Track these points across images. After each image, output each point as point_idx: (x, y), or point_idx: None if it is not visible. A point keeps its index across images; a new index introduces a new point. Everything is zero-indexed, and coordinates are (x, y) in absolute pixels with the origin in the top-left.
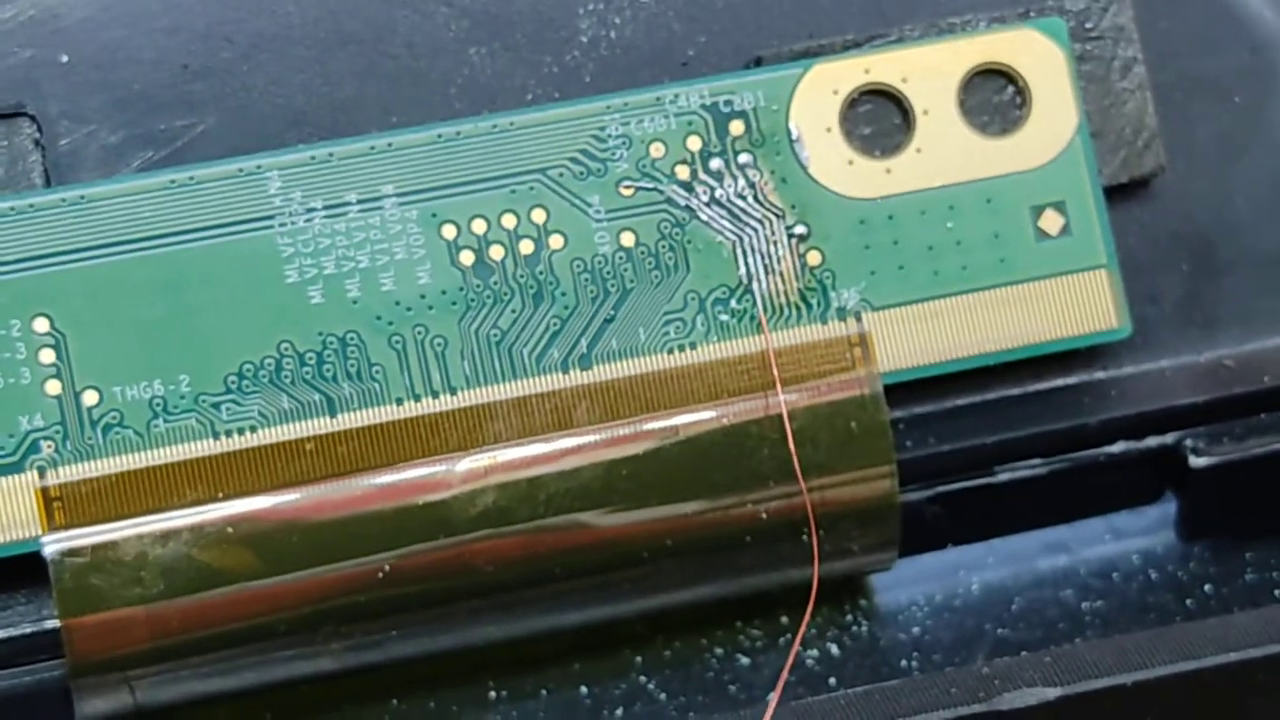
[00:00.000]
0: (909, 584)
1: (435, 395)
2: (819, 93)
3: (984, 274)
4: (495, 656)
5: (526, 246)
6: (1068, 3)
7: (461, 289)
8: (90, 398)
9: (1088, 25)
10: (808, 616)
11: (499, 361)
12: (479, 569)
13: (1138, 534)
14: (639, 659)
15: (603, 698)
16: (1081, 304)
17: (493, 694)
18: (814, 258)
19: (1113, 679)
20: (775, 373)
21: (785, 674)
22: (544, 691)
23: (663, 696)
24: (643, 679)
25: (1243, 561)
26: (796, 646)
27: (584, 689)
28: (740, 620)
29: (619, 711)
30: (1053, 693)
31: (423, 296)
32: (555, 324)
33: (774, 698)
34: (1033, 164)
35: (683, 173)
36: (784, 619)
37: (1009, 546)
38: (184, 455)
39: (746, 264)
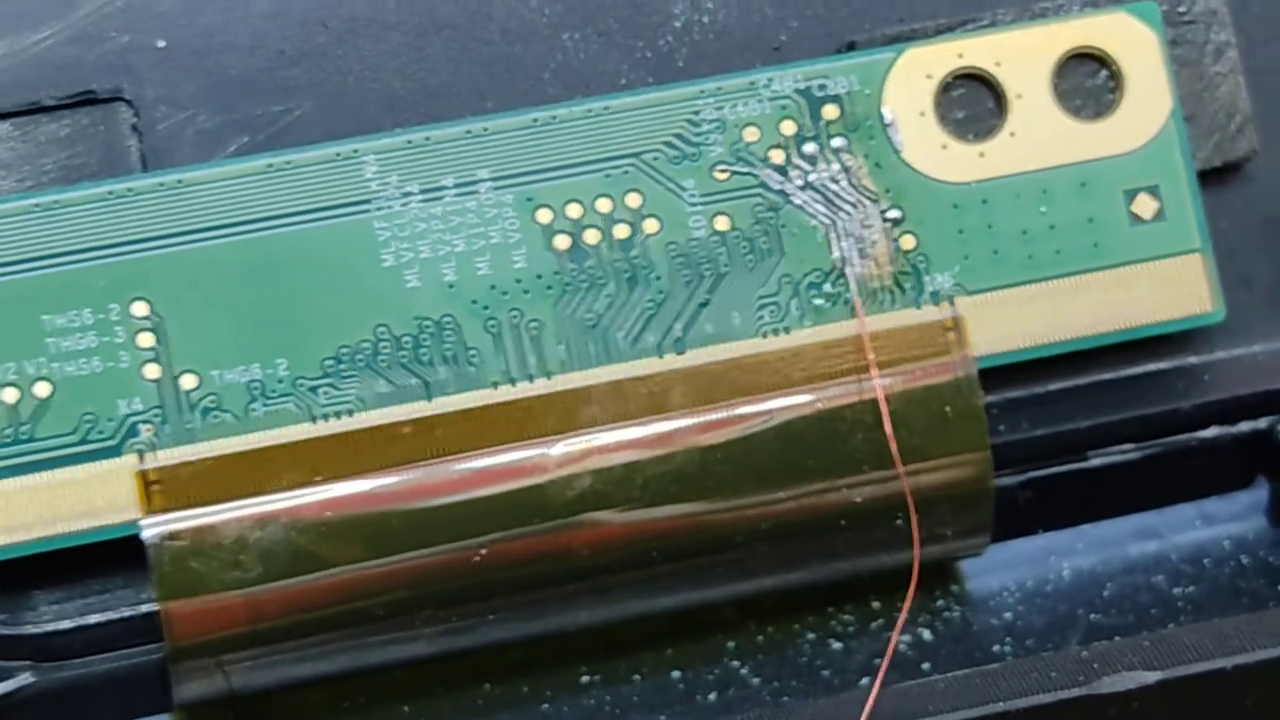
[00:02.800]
0: (1000, 569)
1: (531, 379)
2: (912, 77)
3: (1078, 258)
4: (588, 641)
5: (621, 230)
6: None
7: (557, 273)
8: (189, 381)
9: (1180, 9)
10: (909, 600)
11: (594, 345)
12: (574, 553)
13: (1229, 519)
14: (732, 644)
15: (696, 682)
16: (1175, 288)
17: (585, 678)
18: (908, 242)
19: (1212, 663)
20: (870, 357)
21: (887, 660)
22: (637, 676)
23: (756, 681)
24: (735, 664)
25: None
26: (898, 631)
27: (677, 673)
28: (832, 605)
29: (712, 696)
30: (1152, 676)
31: (518, 280)
32: (650, 308)
33: (876, 683)
34: (1126, 148)
35: (777, 157)
36: (875, 604)
37: (1099, 532)
38: (282, 439)
39: (840, 248)
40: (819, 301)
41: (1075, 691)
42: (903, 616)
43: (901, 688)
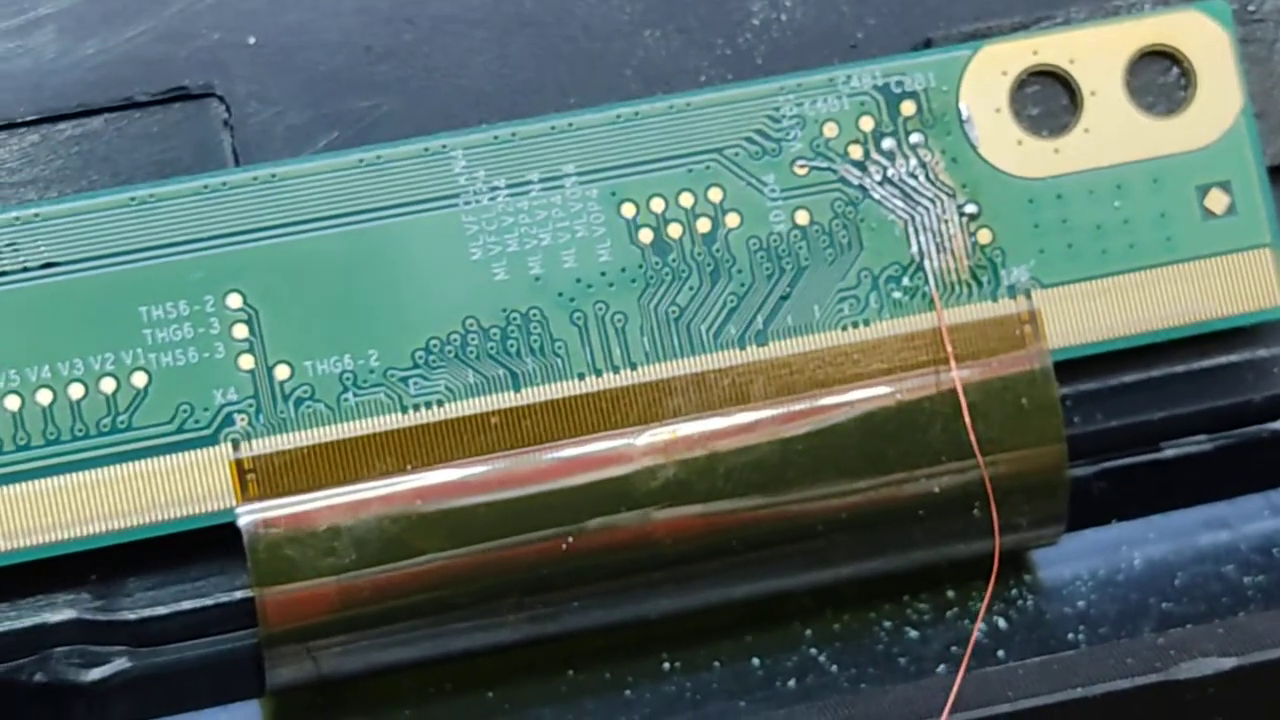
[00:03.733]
0: (1072, 559)
1: (616, 370)
2: (988, 74)
3: (1151, 252)
4: (670, 628)
5: (704, 225)
6: None
7: (641, 266)
8: (282, 372)
9: (1250, 8)
10: (990, 589)
11: (677, 337)
12: (658, 542)
13: None
14: (809, 631)
15: (775, 669)
16: (1246, 282)
17: (667, 665)
18: (984, 236)
19: None
20: (948, 349)
21: (969, 650)
22: (717, 663)
23: (834, 668)
24: (814, 651)
25: None
26: (980, 620)
27: (756, 660)
28: (908, 594)
29: (791, 683)
30: (1228, 663)
31: (603, 273)
32: (732, 301)
33: (960, 671)
34: (1198, 144)
35: (855, 152)
36: (950, 593)
37: (1170, 522)
38: (373, 428)
39: (918, 242)
40: (897, 295)
41: (1152, 678)
42: (984, 606)
43: (981, 674)
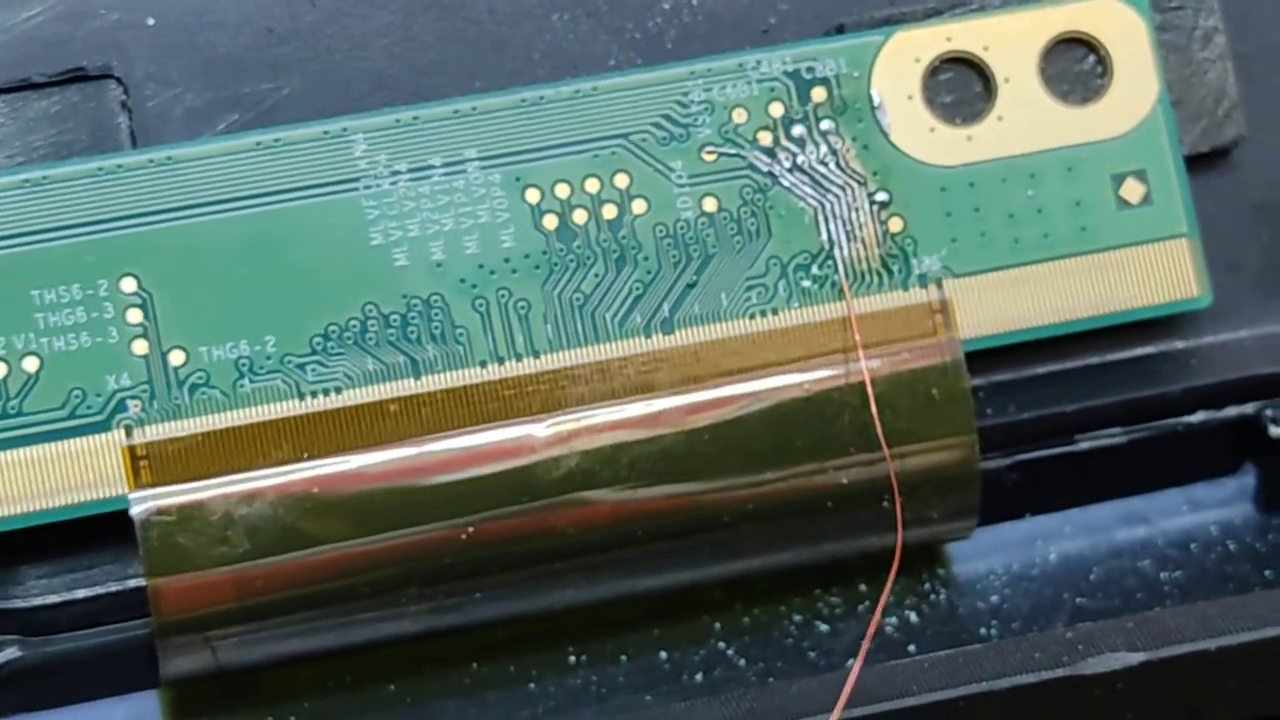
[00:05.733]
0: (987, 553)
1: (519, 358)
2: (901, 60)
3: (1065, 242)
4: (575, 621)
5: (610, 211)
6: None
7: (545, 253)
8: (177, 357)
9: None
10: (891, 580)
11: (582, 325)
12: (561, 533)
13: (1216, 505)
14: (718, 625)
15: (682, 663)
16: (1162, 273)
17: (572, 658)
18: (895, 224)
19: (1196, 644)
20: (857, 339)
21: (869, 638)
22: (624, 656)
23: (742, 662)
24: (722, 645)
25: None
26: (880, 610)
27: (664, 654)
28: (819, 588)
29: (699, 676)
30: (1136, 658)
31: (506, 260)
32: (638, 288)
33: (857, 663)
34: (1114, 133)
35: (765, 139)
36: (862, 586)
37: (1087, 517)
38: (270, 415)
39: (828, 230)
40: (806, 283)
41: (1059, 672)
42: (884, 597)
43: (885, 667)
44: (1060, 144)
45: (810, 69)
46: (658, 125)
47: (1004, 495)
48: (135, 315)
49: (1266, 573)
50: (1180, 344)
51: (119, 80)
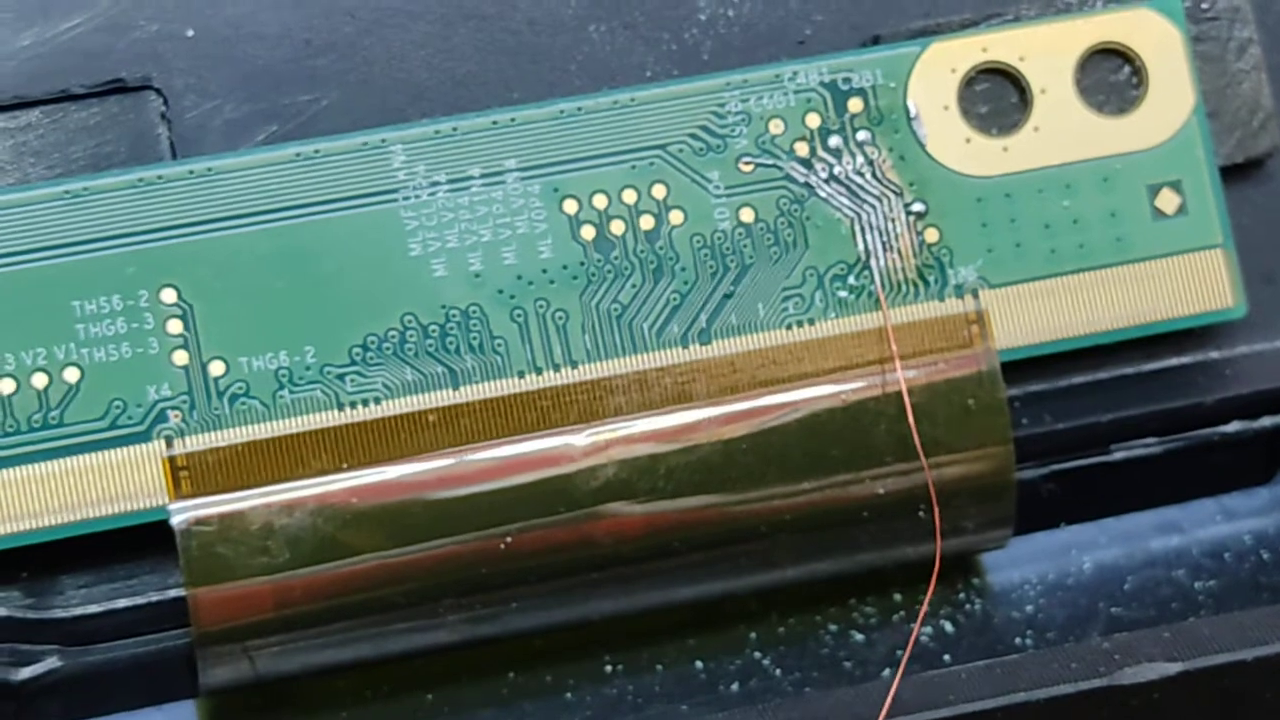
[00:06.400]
0: (1021, 563)
1: (556, 368)
2: (937, 71)
3: (1100, 252)
4: (612, 630)
5: (647, 222)
6: None
7: (583, 263)
8: (217, 368)
9: (1204, 6)
10: (930, 592)
11: (619, 336)
12: (598, 543)
13: (1250, 514)
14: (754, 635)
15: (718, 672)
16: (1197, 283)
17: (609, 668)
18: (932, 235)
19: (1232, 655)
20: (894, 349)
21: (909, 649)
22: (660, 666)
23: (778, 672)
24: (757, 654)
25: None
26: (920, 621)
27: (699, 664)
28: (854, 597)
29: (734, 686)
30: (1173, 668)
31: (544, 270)
32: (675, 299)
33: (898, 674)
34: (1149, 143)
35: (802, 150)
36: (897, 596)
37: (1121, 526)
38: (309, 426)
39: (865, 241)
40: (843, 294)
41: (1096, 682)
42: (924, 608)
43: (923, 678)
44: (1096, 155)
45: (847, 80)
46: (695, 136)
47: (1039, 505)
48: (175, 326)
49: None
50: (1215, 354)
51: (158, 91)
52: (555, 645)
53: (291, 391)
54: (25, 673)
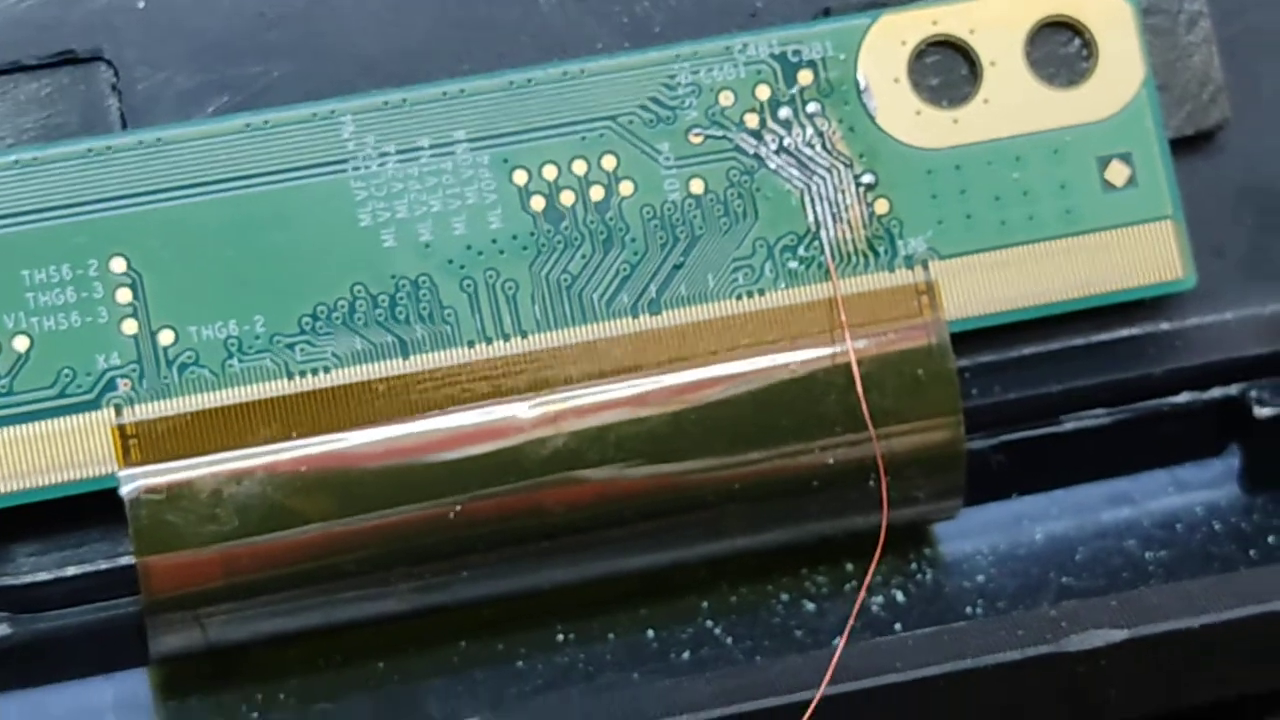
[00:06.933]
0: (973, 533)
1: (506, 338)
2: (887, 43)
3: (1050, 224)
4: (563, 600)
5: (597, 192)
6: None
7: (532, 234)
8: (166, 337)
9: None
10: (876, 559)
11: (569, 306)
12: (548, 512)
13: (1201, 486)
14: (705, 604)
15: (670, 641)
16: (1147, 255)
17: (560, 637)
18: (881, 206)
19: (1179, 622)
20: (843, 319)
21: (854, 617)
22: (611, 635)
23: (729, 641)
24: (709, 623)
25: None
26: (864, 589)
27: (651, 633)
28: (805, 567)
29: (685, 655)
30: (1119, 635)
31: (494, 241)
32: (625, 269)
33: (841, 640)
34: (1099, 116)
35: (752, 121)
36: (849, 566)
37: (1072, 497)
38: (258, 395)
39: (815, 212)
40: (793, 265)
41: (1043, 649)
42: (869, 575)
43: (870, 644)
44: (1046, 127)
45: (797, 52)
46: (645, 108)
47: (990, 476)
48: (125, 295)
49: (1251, 552)
50: (1165, 325)
51: (109, 63)
52: (506, 614)
53: (241, 360)
54: None
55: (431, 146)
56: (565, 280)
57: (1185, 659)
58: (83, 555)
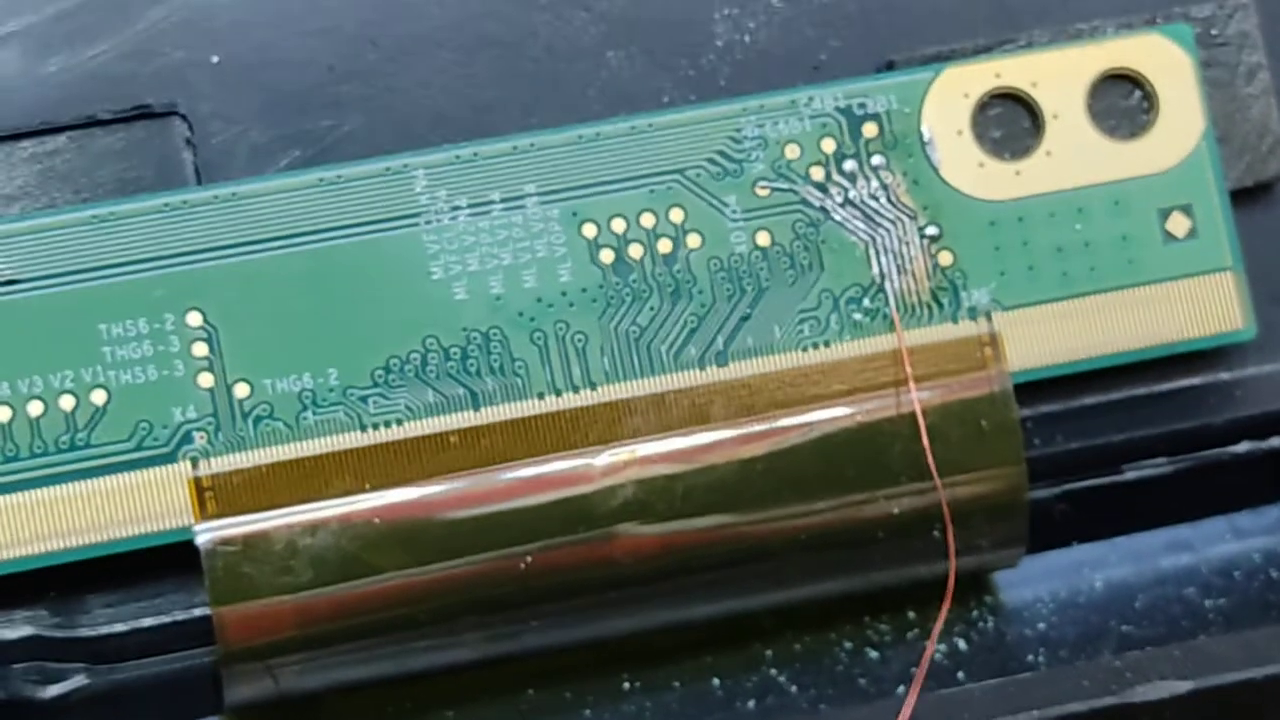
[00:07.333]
0: (1033, 581)
1: (576, 390)
2: (950, 96)
3: (1112, 275)
4: (629, 648)
5: (665, 245)
6: (1194, 9)
7: (601, 286)
8: (241, 390)
9: (1213, 31)
10: (944, 610)
11: (638, 357)
12: (616, 562)
13: (1260, 533)
14: (770, 652)
15: (734, 690)
16: (1207, 305)
17: (626, 685)
18: (945, 258)
19: (1242, 673)
20: (908, 370)
21: (923, 667)
22: (677, 683)
23: (794, 689)
24: (774, 672)
25: None
26: (934, 639)
27: (716, 681)
28: (868, 615)
29: (751, 704)
30: (1184, 686)
31: (564, 293)
32: (693, 321)
33: (912, 692)
34: (1160, 168)
35: (817, 174)
36: (911, 614)
37: (1132, 545)
38: (332, 447)
39: (879, 264)
40: (858, 316)
41: (1108, 700)
42: (938, 626)
43: (937, 695)
44: (1107, 179)
45: (861, 105)
46: (712, 161)
47: (1051, 524)
48: (201, 349)
49: None
50: (1225, 375)
51: (184, 117)
52: (573, 663)
53: (315, 413)
54: (52, 690)
55: (502, 200)
56: (634, 332)
57: (1248, 709)
58: (158, 606)
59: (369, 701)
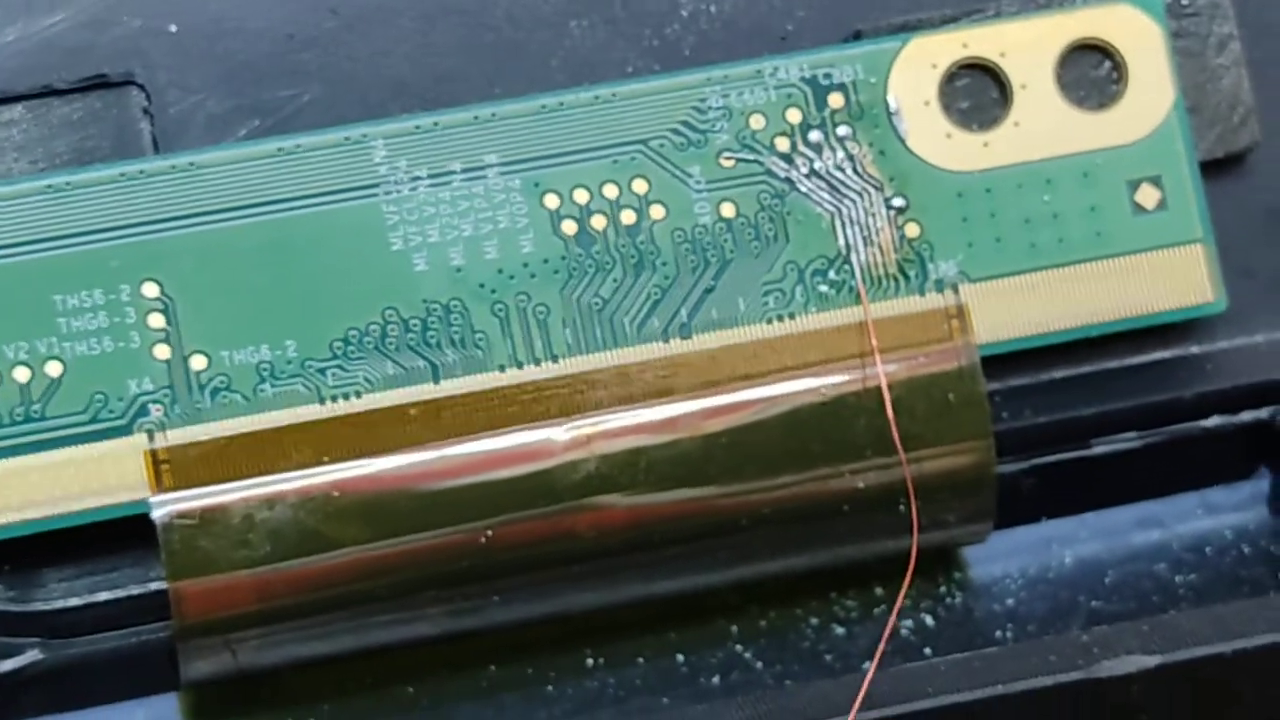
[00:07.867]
0: (1002, 557)
1: (537, 363)
2: (917, 66)
3: (1080, 247)
4: (592, 624)
5: (628, 216)
6: None
7: (564, 258)
8: (198, 362)
9: (1184, 1)
10: (906, 584)
11: (600, 330)
12: (579, 536)
13: (1231, 509)
14: (735, 628)
15: (699, 666)
16: (1177, 278)
17: (590, 661)
18: (912, 230)
19: (1211, 648)
20: (874, 343)
21: (884, 642)
22: (641, 659)
23: (759, 665)
24: (739, 648)
25: None
26: (895, 614)
27: (680, 657)
28: (835, 591)
29: (715, 679)
30: (1151, 661)
31: (525, 265)
32: (656, 293)
33: (872, 666)
34: (1129, 139)
35: (782, 145)
36: (878, 590)
37: (1102, 521)
38: (290, 419)
39: (845, 235)
40: (823, 288)
41: (1074, 675)
42: (899, 600)
43: (901, 669)
44: (1076, 150)
45: (827, 75)
46: (676, 131)
47: (1020, 499)
48: (157, 320)
49: None
50: (1195, 349)
51: (141, 87)
52: (536, 638)
53: (273, 385)
54: (6, 665)
55: (463, 171)
56: (596, 304)
57: (1217, 685)
58: (114, 580)
59: (329, 676)
